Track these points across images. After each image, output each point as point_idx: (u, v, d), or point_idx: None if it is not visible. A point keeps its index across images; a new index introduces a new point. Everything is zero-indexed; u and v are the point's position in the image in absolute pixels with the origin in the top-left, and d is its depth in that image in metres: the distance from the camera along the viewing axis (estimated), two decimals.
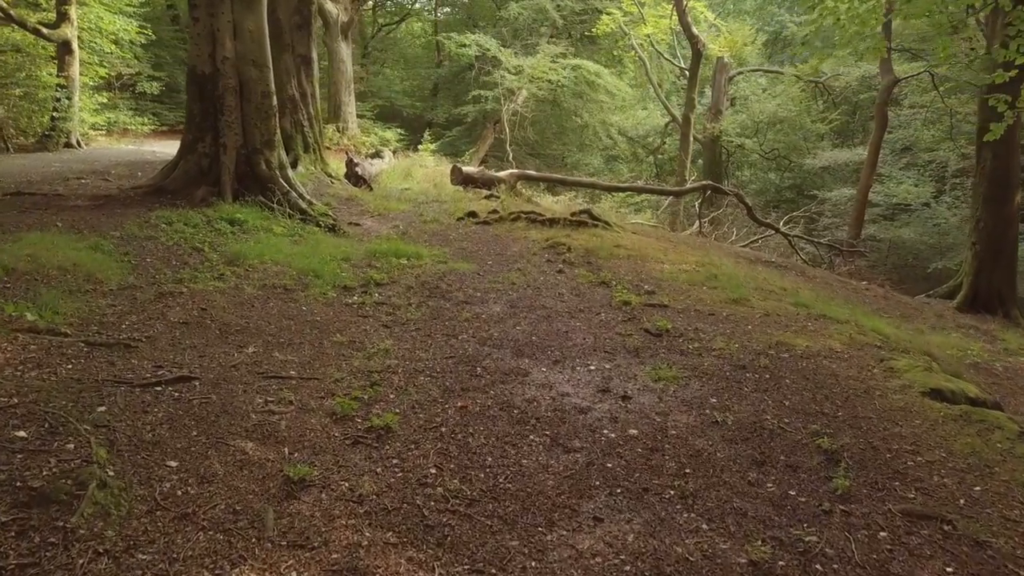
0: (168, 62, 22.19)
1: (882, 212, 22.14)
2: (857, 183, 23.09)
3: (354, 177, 13.14)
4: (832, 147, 25.19)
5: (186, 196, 8.50)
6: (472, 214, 9.91)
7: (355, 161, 13.52)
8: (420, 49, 32.57)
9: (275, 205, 8.56)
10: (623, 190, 15.65)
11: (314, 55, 12.43)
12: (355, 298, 6.10)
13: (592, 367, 5.01)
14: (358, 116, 23.14)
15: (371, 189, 13.02)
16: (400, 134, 22.78)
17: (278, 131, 9.13)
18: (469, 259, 7.78)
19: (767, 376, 4.94)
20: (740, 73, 25.20)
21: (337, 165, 13.93)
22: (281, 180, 8.90)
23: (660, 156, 26.52)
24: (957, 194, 21.25)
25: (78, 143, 13.03)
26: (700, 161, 25.65)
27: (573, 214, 9.42)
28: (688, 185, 15.03)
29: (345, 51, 22.48)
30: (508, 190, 13.37)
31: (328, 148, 21.51)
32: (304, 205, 8.83)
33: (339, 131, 21.88)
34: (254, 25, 8.76)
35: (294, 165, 11.89)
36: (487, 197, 11.76)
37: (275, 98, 9.06)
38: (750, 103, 24.98)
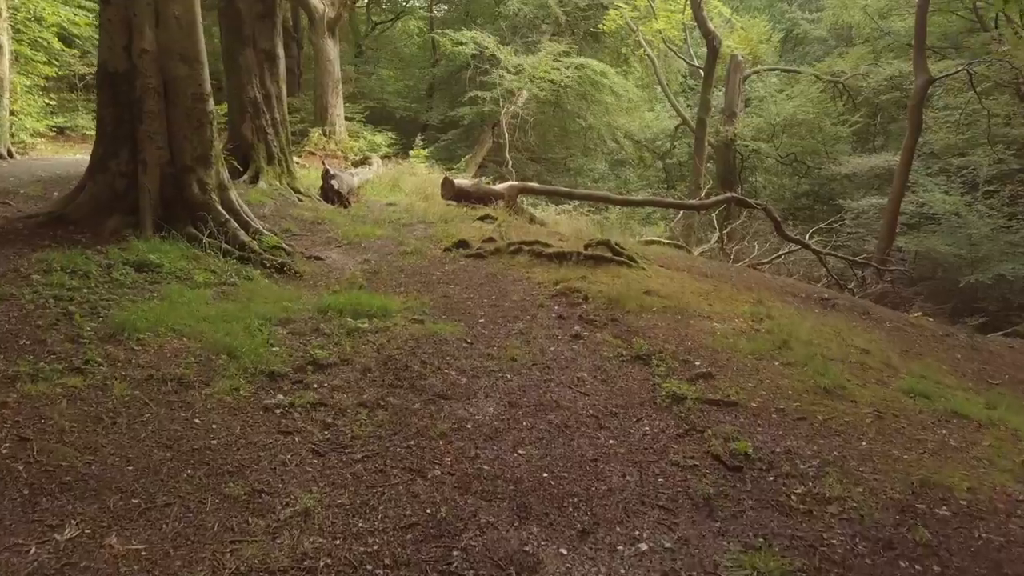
0: None
1: (905, 221, 20.12)
2: (880, 190, 21.08)
3: (330, 192, 11.09)
4: (851, 151, 23.14)
5: (93, 228, 6.46)
6: (463, 243, 7.86)
7: (331, 173, 11.45)
8: (416, 48, 30.43)
9: (207, 239, 6.51)
10: (639, 204, 13.60)
11: (280, 50, 10.38)
12: (280, 396, 4.05)
13: (643, 545, 2.97)
14: (347, 119, 21.08)
15: (349, 205, 10.98)
16: (392, 138, 20.69)
17: (216, 143, 7.07)
18: (454, 314, 5.73)
19: (935, 567, 2.90)
20: (756, 72, 23.04)
21: (316, 175, 11.90)
22: (218, 206, 6.85)
23: (669, 161, 24.40)
24: (992, 203, 19.22)
25: (9, 153, 10.98)
26: (710, 165, 23.56)
27: (588, 246, 7.36)
28: (710, 198, 13.01)
29: (332, 49, 20.42)
30: (507, 207, 11.31)
31: (313, 153, 19.54)
32: (246, 238, 6.77)
33: (325, 135, 19.84)
34: (182, 9, 6.69)
35: (255, 180, 9.89)
36: (482, 218, 9.70)
37: (211, 102, 6.99)
38: (765, 105, 22.86)
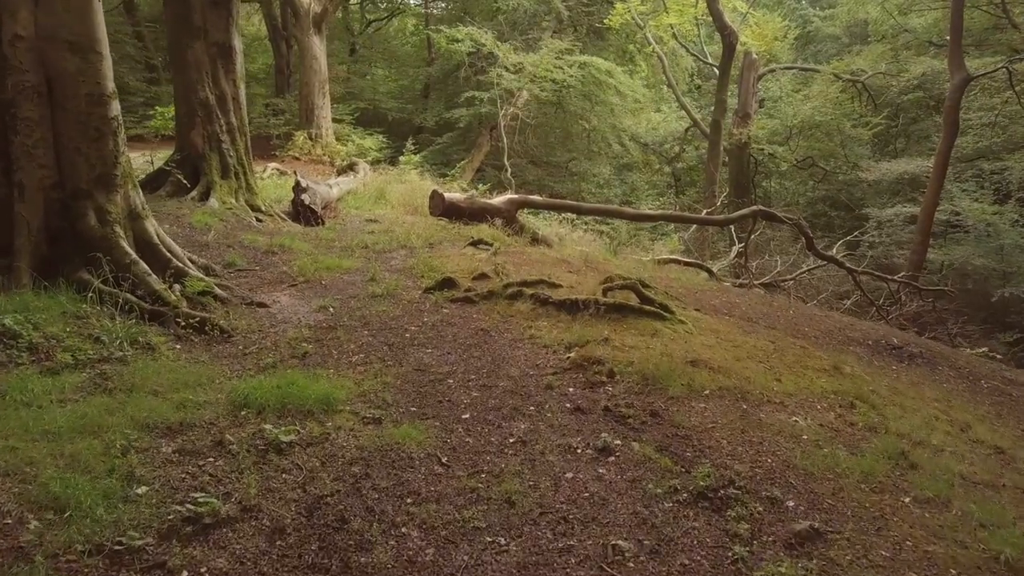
0: (114, 58, 18.27)
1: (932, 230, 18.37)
2: (904, 196, 19.34)
3: (300, 208, 9.35)
4: (870, 155, 21.38)
5: None
6: (448, 282, 6.11)
7: (302, 185, 9.70)
8: (411, 47, 28.60)
9: (103, 287, 4.77)
10: (656, 219, 11.84)
11: (236, 43, 8.61)
12: None
13: None
14: (335, 121, 19.32)
15: (322, 224, 9.23)
16: (382, 142, 18.90)
17: (123, 158, 5.31)
18: (428, 403, 3.99)
19: None
20: (772, 71, 21.21)
21: (288, 187, 10.15)
22: (122, 242, 5.10)
23: (679, 165, 22.60)
24: None
25: None
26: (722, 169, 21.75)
27: (608, 288, 5.59)
28: (735, 213, 11.28)
29: (318, 46, 18.64)
30: (506, 225, 9.58)
31: (298, 159, 17.77)
32: (158, 285, 5.02)
33: (311, 139, 18.07)
34: None
35: (205, 197, 8.14)
36: (475, 243, 7.95)
37: (116, 105, 5.25)
38: (780, 106, 21.07)
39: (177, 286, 5.28)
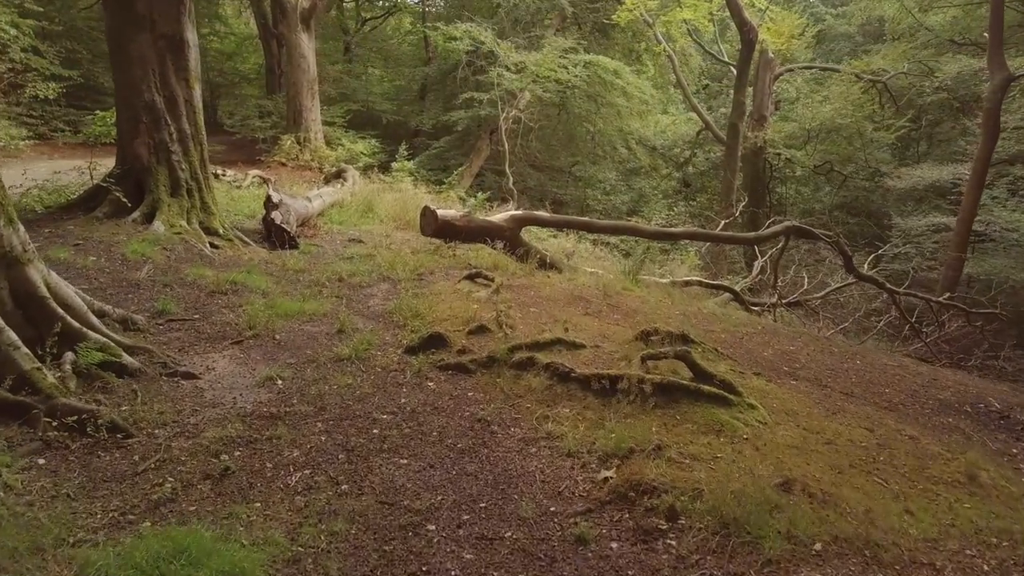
0: (87, 57, 16.84)
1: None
2: (928, 202, 17.89)
3: (271, 227, 7.87)
4: (892, 158, 19.91)
5: None
6: (437, 340, 4.63)
7: (274, 201, 8.23)
8: (409, 47, 27.07)
9: None
10: (679, 237, 10.34)
11: (190, 36, 7.10)
12: None
13: None
14: (325, 123, 17.84)
15: (296, 247, 7.76)
16: (375, 146, 17.41)
17: None
18: None
19: None
20: (790, 71, 19.70)
21: (261, 201, 8.68)
22: None
23: (690, 171, 21.09)
24: None
25: None
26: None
27: (650, 356, 4.10)
28: (766, 229, 9.78)
29: (307, 44, 17.15)
30: (509, 247, 8.10)
31: (284, 164, 16.28)
32: (28, 364, 3.54)
33: (299, 143, 16.59)
34: None
35: (148, 218, 6.68)
36: (471, 276, 6.47)
37: None
38: (797, 108, 19.58)
39: (69, 355, 3.83)
